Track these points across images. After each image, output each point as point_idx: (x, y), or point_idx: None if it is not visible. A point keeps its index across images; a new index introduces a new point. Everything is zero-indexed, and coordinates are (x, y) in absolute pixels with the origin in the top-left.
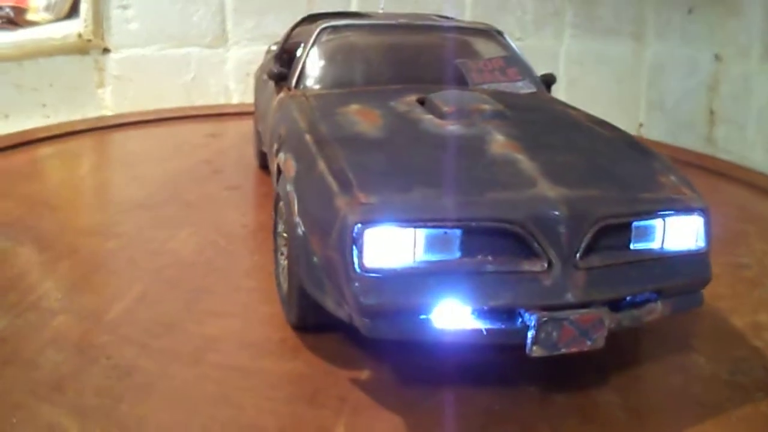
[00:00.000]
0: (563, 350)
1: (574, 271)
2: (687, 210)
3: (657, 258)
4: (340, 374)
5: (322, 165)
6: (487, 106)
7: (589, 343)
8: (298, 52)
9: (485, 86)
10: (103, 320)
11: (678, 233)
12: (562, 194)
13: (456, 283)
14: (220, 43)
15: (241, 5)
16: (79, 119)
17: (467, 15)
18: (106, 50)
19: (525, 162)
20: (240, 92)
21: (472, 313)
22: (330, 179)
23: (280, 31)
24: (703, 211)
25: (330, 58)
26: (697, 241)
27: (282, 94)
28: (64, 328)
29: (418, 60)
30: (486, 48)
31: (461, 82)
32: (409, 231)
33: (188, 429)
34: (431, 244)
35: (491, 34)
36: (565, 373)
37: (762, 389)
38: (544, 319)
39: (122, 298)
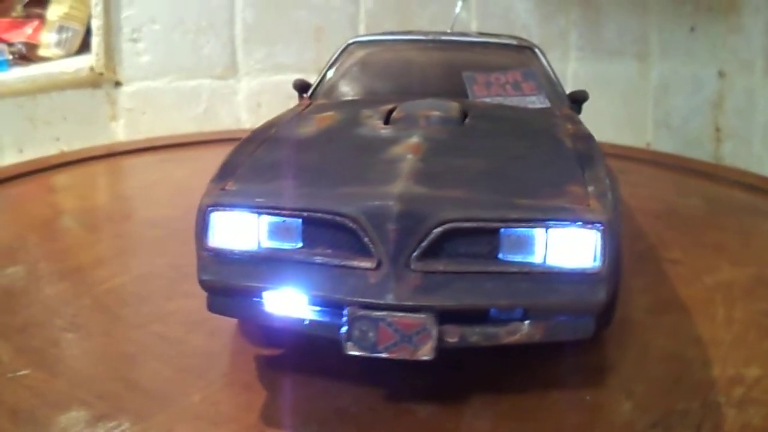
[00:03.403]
0: (385, 354)
1: (405, 273)
2: (578, 222)
3: (529, 272)
4: (247, 356)
5: (225, 157)
6: (437, 113)
7: (411, 349)
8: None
9: (488, 99)
10: (95, 290)
11: (565, 248)
12: (407, 192)
13: (287, 271)
14: (231, 74)
15: (251, 36)
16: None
17: None
18: (118, 83)
19: (410, 162)
20: (252, 123)
21: (305, 303)
22: (218, 169)
23: (290, 61)
24: (602, 226)
25: (347, 71)
26: (588, 259)
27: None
28: (59, 291)
29: (434, 74)
30: (511, 62)
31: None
32: (252, 217)
33: (88, 373)
34: (274, 232)
35: (521, 48)
36: (451, 388)
37: None
38: (357, 315)
39: (124, 275)
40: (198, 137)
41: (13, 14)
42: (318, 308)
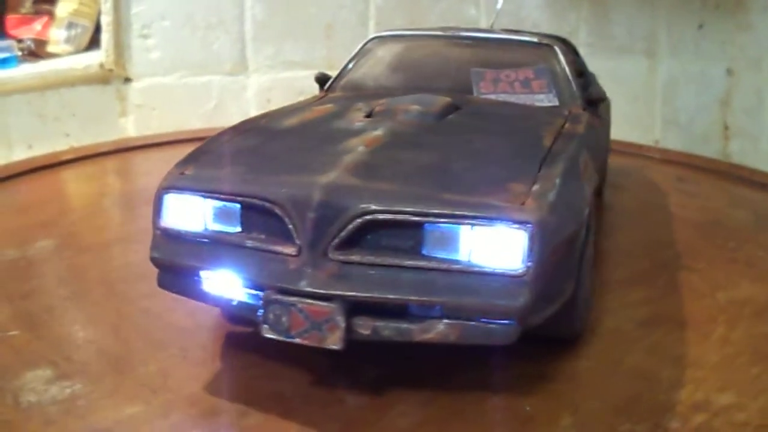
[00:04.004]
0: (298, 340)
1: (321, 261)
2: (505, 220)
3: (448, 270)
4: (216, 334)
5: (202, 143)
6: (416, 108)
7: (321, 336)
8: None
9: (493, 96)
10: (105, 266)
11: (491, 247)
12: (333, 182)
13: (222, 253)
14: (241, 70)
15: (261, 33)
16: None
17: None
18: (127, 79)
19: (358, 154)
20: None
21: (236, 284)
22: (187, 154)
23: (300, 58)
24: (531, 226)
25: (364, 65)
26: (514, 260)
27: None
28: (73, 264)
29: (449, 70)
30: (529, 59)
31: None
32: (198, 200)
33: (67, 338)
34: (217, 216)
35: (541, 45)
36: (393, 382)
37: None
38: (270, 299)
39: (137, 254)
40: (208, 133)
41: (23, 10)
42: (248, 291)
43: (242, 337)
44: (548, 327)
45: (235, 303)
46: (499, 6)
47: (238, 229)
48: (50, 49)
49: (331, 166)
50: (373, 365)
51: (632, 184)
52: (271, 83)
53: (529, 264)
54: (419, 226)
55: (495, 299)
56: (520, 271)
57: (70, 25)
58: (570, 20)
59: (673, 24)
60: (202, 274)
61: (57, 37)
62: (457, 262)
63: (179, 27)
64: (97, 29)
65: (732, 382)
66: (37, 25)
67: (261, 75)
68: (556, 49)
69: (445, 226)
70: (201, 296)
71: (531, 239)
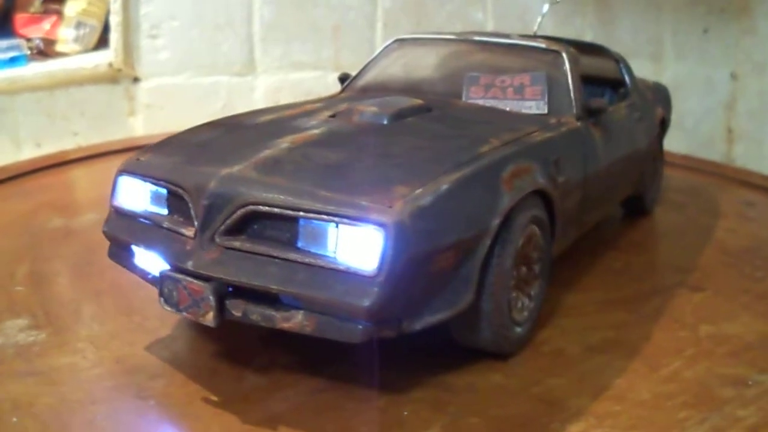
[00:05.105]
0: (185, 314)
1: (208, 245)
2: (365, 220)
3: (310, 264)
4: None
5: (171, 135)
6: (372, 109)
7: (199, 313)
8: None
9: (481, 101)
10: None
11: (353, 246)
12: (231, 174)
13: (147, 231)
14: (249, 71)
15: (269, 34)
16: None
17: None
18: (136, 79)
19: (277, 150)
20: None
21: (157, 260)
22: (155, 142)
23: (308, 59)
24: (387, 228)
25: (377, 67)
26: (369, 261)
27: None
28: (70, 248)
29: (453, 74)
30: (533, 65)
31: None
32: (141, 183)
33: (57, 297)
34: (152, 199)
35: (548, 51)
36: (302, 369)
37: None
38: (166, 275)
39: None
40: None
41: (32, 10)
42: (163, 266)
43: None
44: (459, 337)
45: (150, 276)
46: (545, 10)
47: (166, 211)
48: (59, 48)
49: (243, 160)
50: (295, 349)
51: (692, 203)
52: (280, 84)
53: (382, 265)
54: (295, 220)
55: (344, 297)
56: (372, 272)
57: (79, 25)
58: (575, 24)
59: (678, 28)
60: (134, 248)
61: (66, 36)
62: (323, 257)
63: (188, 27)
64: (106, 29)
65: (647, 423)
66: (46, 25)
67: (269, 76)
68: (564, 55)
69: (315, 221)
70: (133, 268)
71: (386, 241)
